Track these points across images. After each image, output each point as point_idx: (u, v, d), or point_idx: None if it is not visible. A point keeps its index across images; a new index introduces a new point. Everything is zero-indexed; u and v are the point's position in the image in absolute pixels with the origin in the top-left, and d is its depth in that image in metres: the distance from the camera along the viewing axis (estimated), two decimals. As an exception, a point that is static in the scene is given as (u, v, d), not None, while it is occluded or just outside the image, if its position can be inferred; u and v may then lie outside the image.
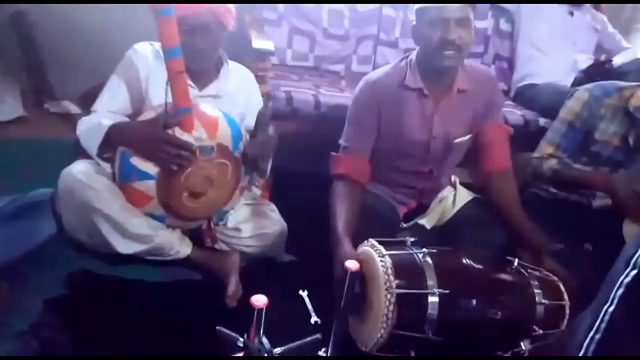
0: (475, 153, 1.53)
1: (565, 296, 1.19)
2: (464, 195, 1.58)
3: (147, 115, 1.28)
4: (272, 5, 2.16)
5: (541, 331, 1.13)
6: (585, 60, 2.27)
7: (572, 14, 2.34)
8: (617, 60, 2.25)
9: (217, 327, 0.91)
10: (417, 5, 1.36)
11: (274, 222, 1.45)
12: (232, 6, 1.33)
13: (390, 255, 1.11)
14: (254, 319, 0.84)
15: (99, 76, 1.44)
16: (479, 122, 1.47)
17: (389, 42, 2.32)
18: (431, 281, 1.09)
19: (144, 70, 1.34)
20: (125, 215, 1.26)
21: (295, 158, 1.32)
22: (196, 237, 1.43)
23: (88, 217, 1.26)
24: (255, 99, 1.53)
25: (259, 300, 0.83)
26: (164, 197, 1.25)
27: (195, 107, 1.27)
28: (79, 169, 1.27)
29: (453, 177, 1.63)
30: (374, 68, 2.33)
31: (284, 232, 1.46)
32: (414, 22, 1.39)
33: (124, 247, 1.29)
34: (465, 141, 1.49)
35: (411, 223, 1.57)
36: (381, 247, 1.13)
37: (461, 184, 1.64)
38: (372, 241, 1.17)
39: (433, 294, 1.07)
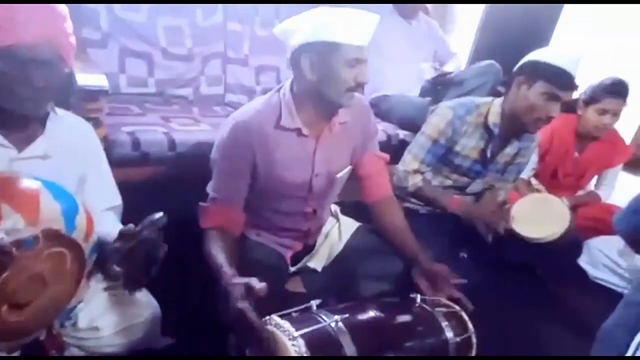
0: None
1: (470, 325, 1.19)
2: (349, 226, 1.51)
3: None
4: (93, 22, 1.79)
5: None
6: (429, 69, 2.38)
7: (410, 23, 2.44)
8: (448, 68, 2.41)
9: None
10: (317, 37, 1.15)
11: (143, 307, 1.14)
12: (73, 38, 1.01)
13: (302, 335, 0.94)
14: None
15: None
16: (358, 154, 1.41)
17: (239, 59, 2.13)
18: (349, 350, 0.98)
19: None
20: None
21: (153, 211, 1.04)
22: (35, 347, 1.06)
23: None
24: (98, 151, 1.21)
25: None
26: (-29, 320, 0.87)
27: (4, 182, 0.90)
28: None
29: (333, 208, 1.55)
30: (226, 89, 2.13)
31: (156, 316, 1.16)
32: (303, 54, 1.18)
33: None
34: (346, 173, 1.42)
35: (299, 265, 1.46)
36: (289, 327, 0.96)
37: (350, 203, 1.56)
38: (276, 319, 0.98)
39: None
